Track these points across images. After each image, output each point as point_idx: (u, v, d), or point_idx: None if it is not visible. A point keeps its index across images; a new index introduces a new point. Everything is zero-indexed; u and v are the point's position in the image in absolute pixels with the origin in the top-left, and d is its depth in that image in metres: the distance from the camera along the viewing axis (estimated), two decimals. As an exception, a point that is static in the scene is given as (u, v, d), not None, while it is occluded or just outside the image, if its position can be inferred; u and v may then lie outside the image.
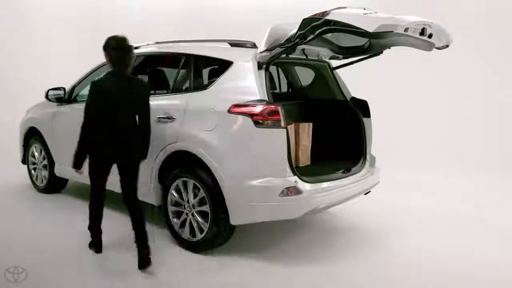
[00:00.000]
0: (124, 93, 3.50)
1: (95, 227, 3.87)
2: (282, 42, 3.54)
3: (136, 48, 4.80)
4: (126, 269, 3.58)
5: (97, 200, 3.80)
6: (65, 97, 5.19)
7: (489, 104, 8.02)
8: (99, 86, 3.44)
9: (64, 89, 5.21)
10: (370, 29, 3.05)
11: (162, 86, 4.41)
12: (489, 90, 8.05)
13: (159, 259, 3.74)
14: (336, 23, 3.17)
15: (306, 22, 3.29)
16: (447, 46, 3.66)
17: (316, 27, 3.27)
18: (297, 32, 3.36)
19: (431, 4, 8.48)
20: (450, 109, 8.23)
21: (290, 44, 3.49)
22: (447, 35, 3.56)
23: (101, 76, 3.50)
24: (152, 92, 4.44)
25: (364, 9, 3.49)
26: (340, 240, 4.26)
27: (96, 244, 3.88)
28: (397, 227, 4.60)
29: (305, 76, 4.96)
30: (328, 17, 3.18)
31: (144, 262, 3.50)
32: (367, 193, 4.28)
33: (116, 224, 4.46)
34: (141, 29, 9.12)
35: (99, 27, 9.85)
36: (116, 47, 3.46)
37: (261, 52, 3.65)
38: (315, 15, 3.29)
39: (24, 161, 6.00)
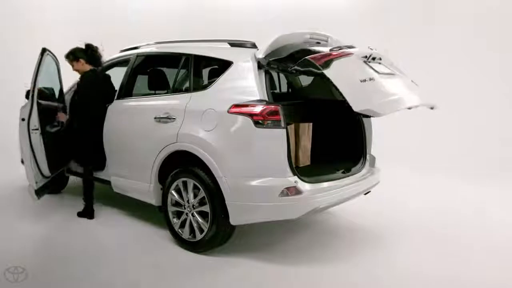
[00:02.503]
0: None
1: (90, 196, 4.69)
2: (281, 57, 3.64)
3: (136, 48, 4.82)
4: (129, 271, 3.59)
5: (91, 172, 4.72)
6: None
7: (489, 105, 8.01)
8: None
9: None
10: (356, 108, 3.17)
11: (162, 86, 4.41)
12: (489, 91, 8.05)
13: (160, 259, 3.76)
14: (329, 81, 3.25)
15: (306, 63, 3.36)
16: (432, 108, 3.88)
17: (312, 72, 3.37)
18: (294, 66, 3.45)
19: (431, 4, 8.49)
20: (450, 110, 8.22)
21: (284, 70, 3.60)
22: (435, 105, 3.82)
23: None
24: (152, 92, 4.49)
25: (370, 57, 3.65)
26: (340, 240, 4.25)
27: (89, 212, 4.68)
28: (397, 227, 4.59)
29: (305, 76, 4.95)
30: (326, 71, 3.25)
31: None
32: (367, 193, 4.27)
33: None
34: (141, 29, 9.13)
35: (99, 27, 9.87)
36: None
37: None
38: (317, 57, 3.37)
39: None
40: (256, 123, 3.43)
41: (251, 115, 3.44)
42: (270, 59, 3.63)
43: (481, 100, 8.04)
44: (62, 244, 4.07)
